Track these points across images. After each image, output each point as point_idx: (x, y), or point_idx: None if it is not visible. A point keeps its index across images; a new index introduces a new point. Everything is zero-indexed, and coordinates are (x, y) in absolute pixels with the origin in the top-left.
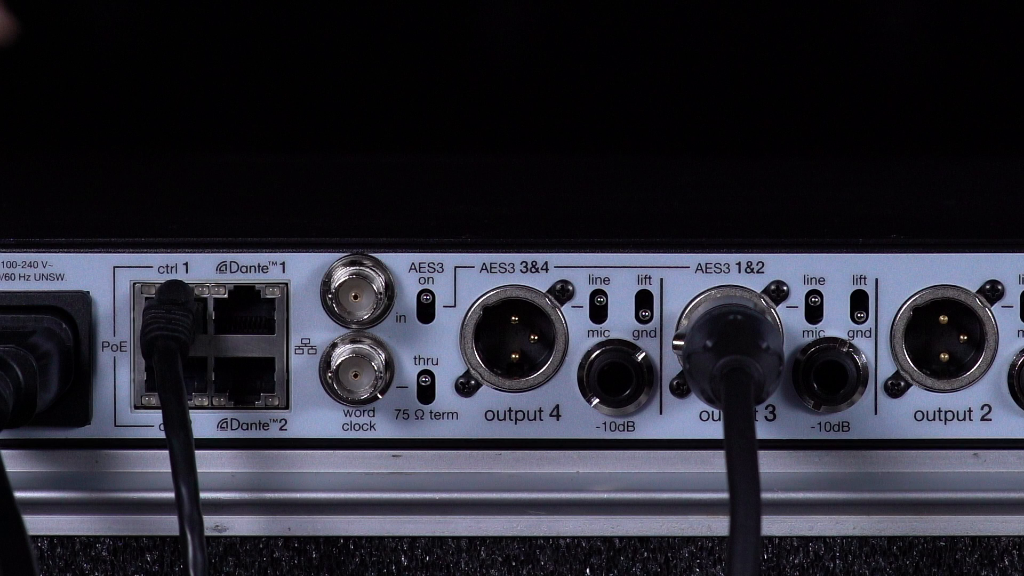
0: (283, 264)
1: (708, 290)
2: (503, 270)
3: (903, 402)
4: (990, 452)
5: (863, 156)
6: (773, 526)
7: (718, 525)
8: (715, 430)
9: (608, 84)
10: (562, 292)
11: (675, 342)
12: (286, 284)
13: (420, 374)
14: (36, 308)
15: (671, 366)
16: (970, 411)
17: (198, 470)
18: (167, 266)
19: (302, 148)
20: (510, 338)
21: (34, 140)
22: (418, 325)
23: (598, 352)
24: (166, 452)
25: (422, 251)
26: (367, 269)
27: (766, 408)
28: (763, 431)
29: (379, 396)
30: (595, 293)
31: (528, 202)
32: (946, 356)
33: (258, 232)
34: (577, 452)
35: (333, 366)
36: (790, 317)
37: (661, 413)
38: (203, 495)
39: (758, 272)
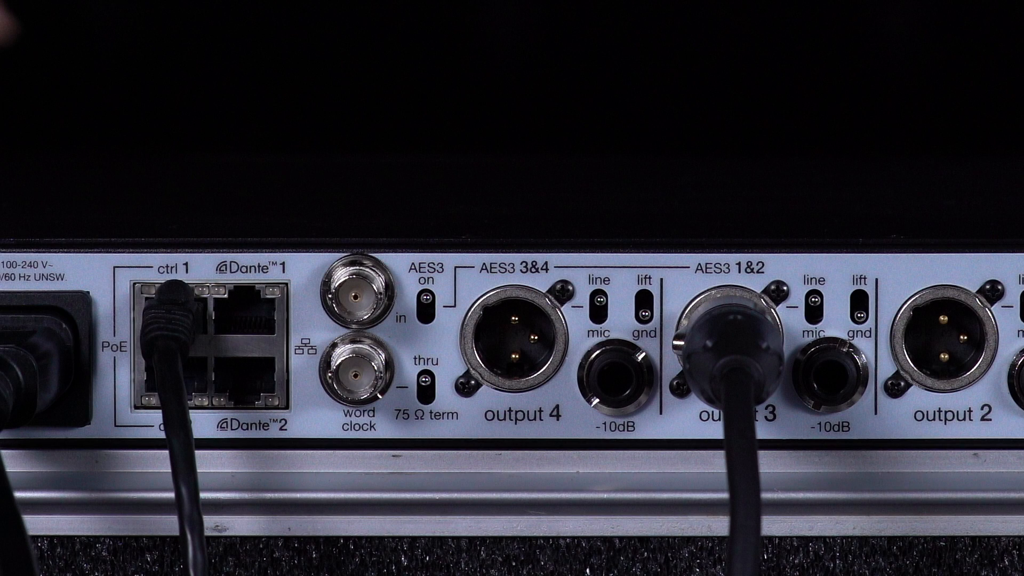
0: (283, 264)
1: (708, 290)
2: (503, 270)
3: (903, 402)
4: (990, 452)
5: (863, 156)
6: (773, 526)
7: (718, 525)
8: (715, 430)
9: (608, 84)
10: (562, 292)
11: (675, 342)
12: (286, 284)
13: (420, 374)
14: (36, 308)
15: (671, 366)
16: (970, 411)
17: (198, 470)
18: (167, 266)
19: (302, 148)
20: (510, 338)
21: (34, 140)
22: (418, 325)
23: (598, 352)
24: (166, 452)
25: (422, 251)
26: (367, 269)
27: (766, 408)
28: (763, 431)
29: (379, 396)
30: (595, 293)
31: (528, 202)
32: (946, 356)
33: (258, 232)
34: (577, 452)
35: (333, 366)
36: (790, 317)
37: (661, 413)
38: (203, 495)
39: (758, 272)
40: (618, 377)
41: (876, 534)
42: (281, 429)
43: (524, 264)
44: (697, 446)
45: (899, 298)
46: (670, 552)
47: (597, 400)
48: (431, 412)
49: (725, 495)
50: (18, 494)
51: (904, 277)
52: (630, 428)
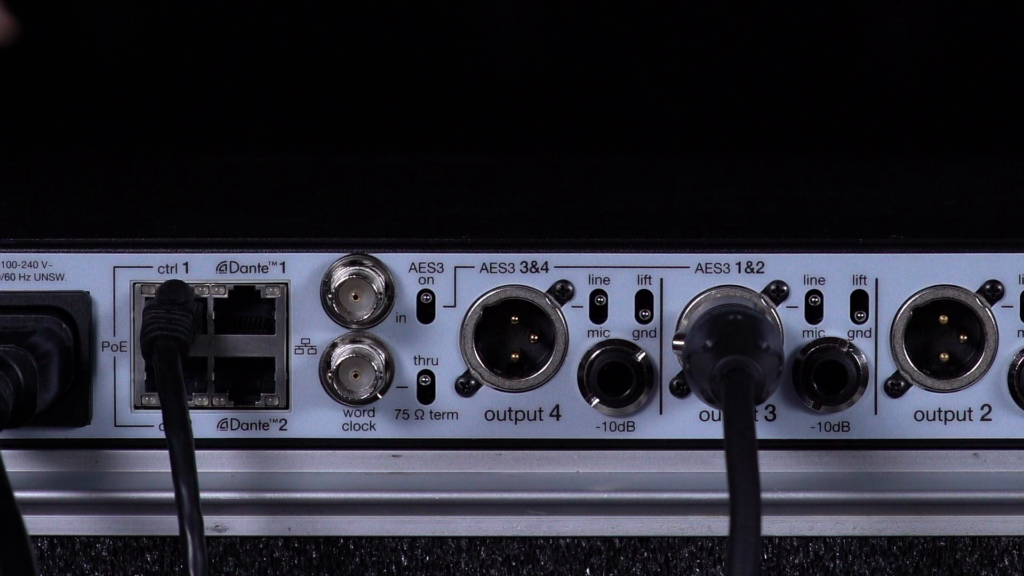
0: (283, 264)
1: (708, 290)
2: (503, 270)
3: (903, 402)
4: (990, 452)
5: (863, 156)
6: (773, 526)
7: (718, 525)
8: (715, 430)
9: (608, 84)
10: (562, 292)
11: (675, 342)
12: (286, 284)
13: (420, 374)
14: (36, 308)
15: (671, 366)
16: (970, 411)
17: (198, 470)
18: (167, 266)
19: (302, 148)
20: (510, 338)
21: (34, 140)
22: (418, 325)
23: (598, 352)
24: (166, 452)
25: (422, 251)
26: (367, 269)
27: (766, 408)
28: (763, 431)
29: (379, 396)
30: (595, 293)
31: (528, 202)
32: (946, 356)
33: (258, 232)
34: (577, 452)
35: (333, 366)
36: (790, 317)
37: (661, 413)
38: (203, 495)
39: (758, 272)
40: (618, 377)
41: (876, 534)
42: (281, 429)
43: (524, 264)
44: (697, 446)
45: (899, 298)
46: (670, 552)
47: (597, 400)
48: (431, 412)
49: (725, 495)
50: (18, 494)
51: (904, 277)
52: (630, 428)
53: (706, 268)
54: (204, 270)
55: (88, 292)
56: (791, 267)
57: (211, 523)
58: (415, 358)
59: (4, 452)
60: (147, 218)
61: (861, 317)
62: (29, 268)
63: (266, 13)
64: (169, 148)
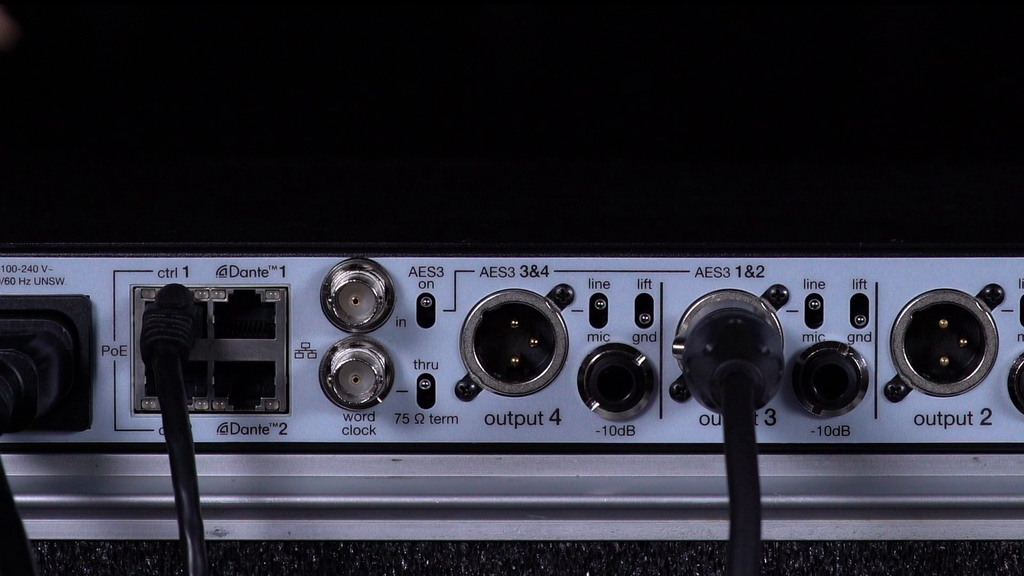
0: (283, 268)
1: (708, 294)
2: (503, 274)
3: (903, 406)
4: (990, 456)
5: (863, 160)
6: (773, 530)
7: (718, 529)
8: (715, 434)
9: (608, 88)
10: (562, 296)
11: (675, 346)
12: (286, 288)
13: (420, 378)
14: (36, 312)
15: (671, 370)
16: (970, 415)
17: (198, 474)
18: (167, 270)
19: (302, 152)
20: (510, 342)
21: (34, 144)
22: (418, 329)
23: (598, 356)
24: (166, 456)
25: (422, 255)
26: (367, 273)
27: (766, 412)
28: (763, 435)
29: (379, 400)
30: (595, 297)
31: (528, 206)
32: (946, 360)
33: (258, 236)
34: (577, 456)
35: (333, 370)
36: (790, 321)
37: (661, 417)
38: (203, 499)
39: (758, 276)
40: (618, 381)
41: (876, 538)
42: (281, 433)
43: (524, 268)
44: (697, 450)
45: (899, 302)
46: (670, 556)
47: (597, 404)
48: (431, 416)
49: (725, 499)
50: (18, 498)
51: (904, 281)
52: (630, 432)
53: (706, 272)
54: (204, 274)
55: (88, 296)
56: (791, 271)
57: (211, 527)
58: (415, 362)
59: (4, 456)
60: (147, 222)
61: (861, 321)
62: (29, 272)
63: (266, 18)
64: (169, 152)
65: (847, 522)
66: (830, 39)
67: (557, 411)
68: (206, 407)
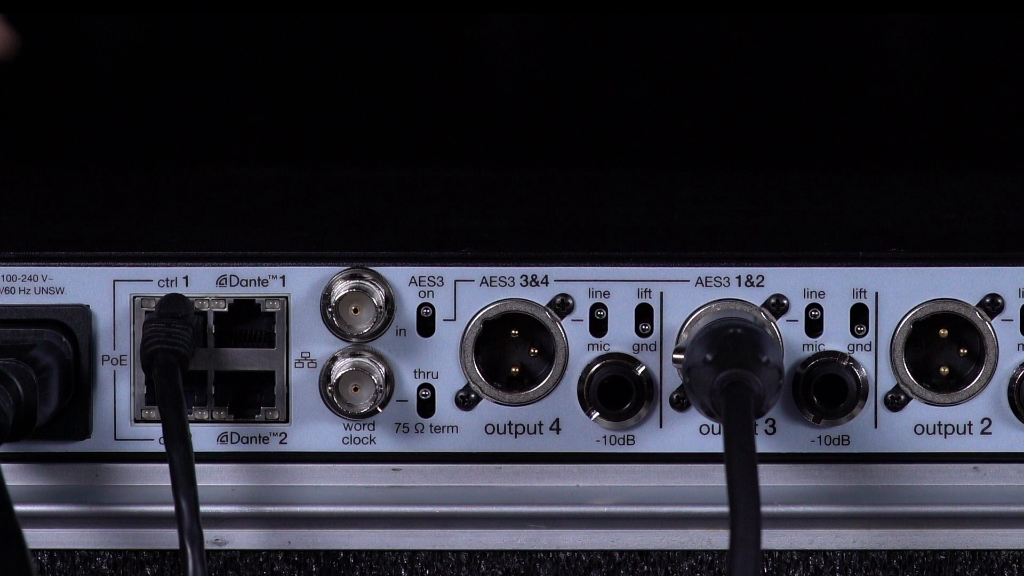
0: (283, 278)
1: (708, 304)
2: (503, 284)
3: (903, 416)
4: (990, 466)
5: (863, 169)
6: (773, 540)
7: (718, 539)
8: (715, 444)
9: (608, 97)
10: (562, 306)
11: (675, 356)
12: (286, 298)
13: (420, 388)
14: (36, 322)
15: (671, 380)
16: (970, 425)
17: (198, 483)
18: (167, 280)
19: (302, 162)
20: (510, 352)
21: (34, 153)
22: (418, 339)
23: (598, 366)
24: (166, 466)
25: (422, 265)
26: (367, 283)
27: (766, 422)
28: (763, 445)
29: (379, 410)
30: (595, 307)
31: (528, 216)
32: (946, 370)
33: (258, 246)
34: (577, 466)
35: (333, 380)
36: (790, 331)
37: (661, 427)
38: (203, 508)
39: (758, 286)
40: (618, 391)
41: (876, 548)
42: (281, 443)
43: (524, 278)
44: (697, 460)
45: (899, 312)
46: (670, 566)
47: (597, 414)
48: (431, 426)
49: (725, 509)
50: (18, 508)
51: (904, 291)
52: (630, 442)
53: (706, 282)
54: (204, 284)
55: (88, 306)
56: (791, 281)
57: (211, 537)
58: (415, 372)
59: (4, 466)
60: (147, 231)
61: (861, 331)
62: (29, 282)
63: (266, 27)
64: (169, 161)
65: (847, 531)
66: (830, 48)
67: (557, 420)
68: (206, 416)
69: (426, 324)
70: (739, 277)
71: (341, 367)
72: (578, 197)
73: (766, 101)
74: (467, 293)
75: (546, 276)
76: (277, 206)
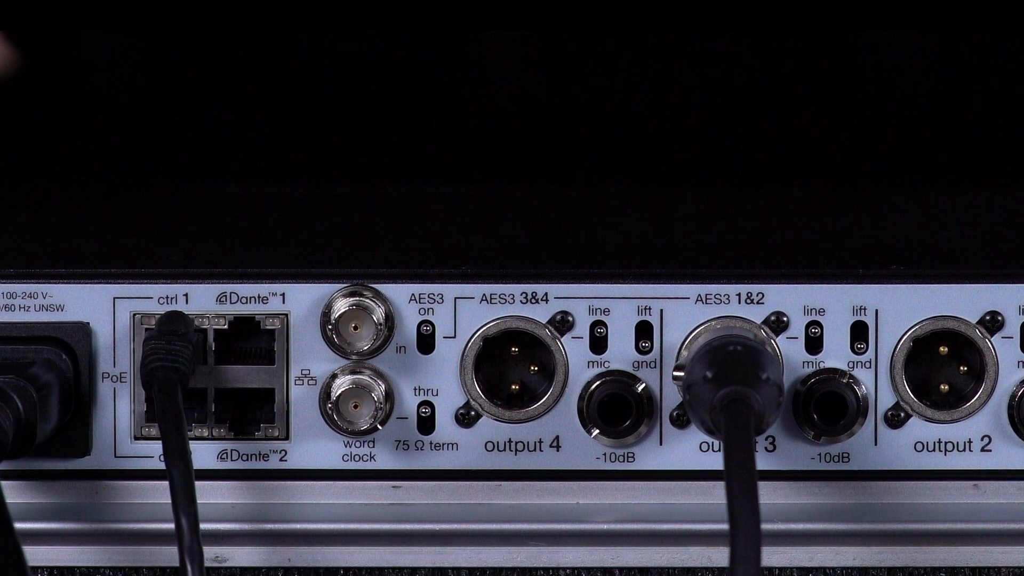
0: (283, 295)
1: (708, 321)
2: (503, 301)
3: (903, 433)
4: (990, 483)
5: (862, 187)
6: (773, 557)
7: (718, 556)
8: (715, 461)
9: (607, 114)
10: (562, 323)
11: (675, 373)
12: (286, 315)
13: (420, 405)
14: (36, 339)
15: (671, 397)
16: (970, 442)
17: (198, 501)
18: (167, 297)
19: (302, 179)
20: (510, 369)
21: (34, 171)
22: (418, 356)
23: (598, 383)
24: (166, 483)
25: (422, 282)
26: (367, 300)
27: (766, 439)
28: (763, 462)
29: (379, 427)
30: (595, 324)
31: (528, 233)
32: (946, 387)
33: (258, 263)
34: (577, 483)
35: (333, 397)
36: (790, 348)
37: (661, 444)
38: (203, 526)
39: (758, 303)
40: (618, 408)
41: (876, 565)
42: (281, 460)
43: (524, 295)
44: (697, 477)
45: (899, 329)
46: None
47: (597, 431)
48: (431, 443)
49: (725, 526)
50: (18, 525)
51: (904, 308)
52: (630, 459)
53: (706, 299)
54: (204, 301)
55: (88, 323)
56: (791, 298)
57: (211, 554)
58: (415, 389)
59: (4, 483)
60: (147, 249)
61: (861, 348)
62: (29, 299)
63: (265, 44)
64: (169, 179)
65: (847, 549)
66: (830, 65)
67: (557, 438)
68: (206, 434)
69: (426, 341)
70: (739, 294)
71: (341, 384)
72: (578, 214)
73: (766, 118)
74: (467, 310)
75: (546, 293)
76: (277, 223)
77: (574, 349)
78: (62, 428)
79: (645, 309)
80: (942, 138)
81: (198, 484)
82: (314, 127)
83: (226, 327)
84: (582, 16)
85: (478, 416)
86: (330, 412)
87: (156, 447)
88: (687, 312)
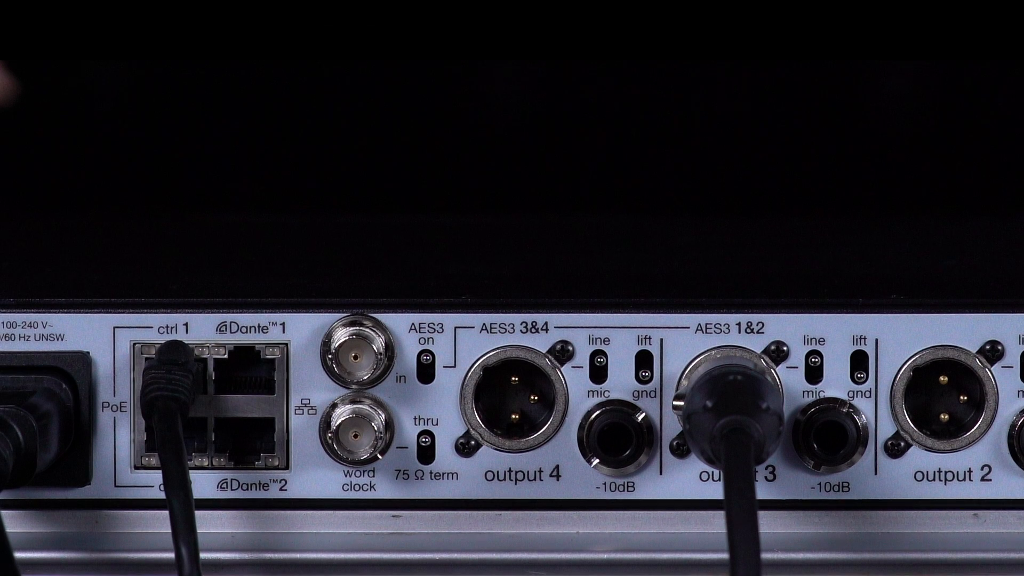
0: (283, 324)
1: (708, 350)
2: (503, 330)
3: (903, 462)
4: (990, 512)
5: (863, 216)
6: None
7: None
8: (715, 490)
9: (607, 144)
10: (562, 352)
11: (675, 402)
12: (286, 344)
13: (420, 434)
14: (36, 368)
15: (671, 426)
16: (970, 471)
17: (198, 530)
18: (167, 326)
19: (302, 208)
20: (510, 398)
21: (34, 200)
22: (418, 385)
23: (598, 412)
24: (166, 512)
25: (422, 311)
26: (367, 329)
27: (766, 468)
28: (763, 491)
29: (379, 456)
30: (595, 353)
31: (528, 262)
32: (946, 416)
33: (258, 292)
34: (577, 512)
35: (333, 426)
36: (790, 377)
37: (661, 473)
38: (203, 555)
39: (758, 332)
40: (618, 437)
41: None
42: (281, 489)
43: (524, 324)
44: (697, 506)
45: (899, 358)
46: None
47: (597, 460)
48: (431, 472)
49: (725, 555)
50: (18, 554)
51: (904, 337)
52: (630, 488)
53: (706, 328)
54: (204, 330)
55: (88, 352)
56: (791, 327)
57: None
58: (415, 418)
59: (4, 512)
60: (147, 278)
61: (861, 377)
62: (29, 328)
63: (265, 74)
64: (169, 208)
65: None
66: (829, 94)
67: (557, 467)
68: (206, 463)
69: (426, 371)
70: (739, 324)
71: (341, 414)
72: (578, 244)
73: (765, 147)
74: (467, 340)
75: (546, 323)
76: (277, 253)
77: (574, 378)
78: (62, 457)
79: (645, 338)
80: (942, 167)
81: (198, 513)
82: (314, 156)
83: (226, 356)
84: (582, 45)
85: (478, 446)
86: (330, 441)
87: (156, 476)
88: (687, 341)
